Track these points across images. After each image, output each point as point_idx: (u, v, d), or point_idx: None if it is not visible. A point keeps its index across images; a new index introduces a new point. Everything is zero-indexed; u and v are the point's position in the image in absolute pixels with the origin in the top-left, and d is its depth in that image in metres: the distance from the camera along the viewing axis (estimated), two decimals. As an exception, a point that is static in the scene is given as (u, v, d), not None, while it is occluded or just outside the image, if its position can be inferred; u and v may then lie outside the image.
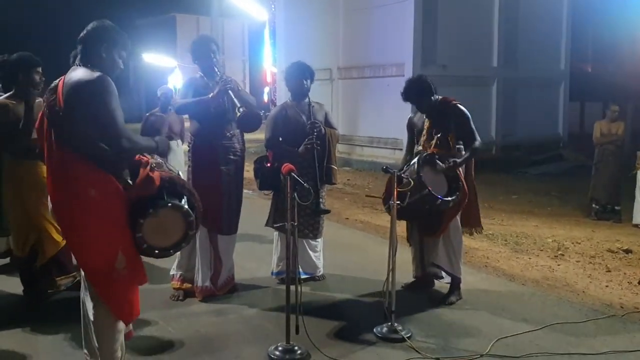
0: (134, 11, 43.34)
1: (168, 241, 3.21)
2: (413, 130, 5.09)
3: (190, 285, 4.95)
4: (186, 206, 3.20)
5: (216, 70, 4.86)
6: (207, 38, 5.15)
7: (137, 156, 3.23)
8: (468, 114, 4.79)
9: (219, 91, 4.69)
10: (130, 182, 3.13)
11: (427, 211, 4.66)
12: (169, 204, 3.13)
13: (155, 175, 3.16)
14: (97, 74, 3.02)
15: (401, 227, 5.18)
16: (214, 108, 4.72)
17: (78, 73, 3.05)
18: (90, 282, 3.10)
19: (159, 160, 3.43)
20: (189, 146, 5.03)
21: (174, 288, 4.95)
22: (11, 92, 4.64)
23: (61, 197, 3.07)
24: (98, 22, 3.21)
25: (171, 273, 5.03)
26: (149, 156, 3.31)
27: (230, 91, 4.68)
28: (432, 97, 4.82)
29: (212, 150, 4.82)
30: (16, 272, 5.29)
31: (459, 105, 4.81)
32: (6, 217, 5.17)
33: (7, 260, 5.58)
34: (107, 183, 3.03)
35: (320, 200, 5.15)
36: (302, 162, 5.02)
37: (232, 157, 4.89)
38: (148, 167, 3.16)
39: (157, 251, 3.21)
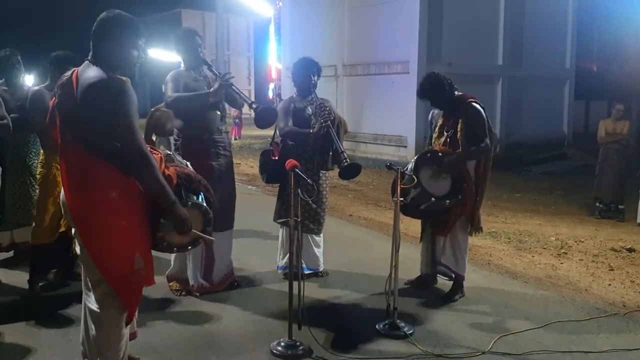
0: (140, 7, 43.35)
1: (187, 238, 3.23)
2: (433, 125, 5.06)
3: (185, 286, 4.92)
4: (205, 204, 3.22)
5: (209, 64, 4.80)
6: (192, 31, 4.95)
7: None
8: (483, 113, 4.67)
9: (220, 85, 4.63)
10: None
11: (427, 210, 4.65)
12: (189, 203, 3.14)
13: (172, 172, 3.13)
14: (113, 77, 2.85)
15: (404, 224, 5.18)
16: (212, 102, 4.67)
17: (93, 73, 2.86)
18: (110, 285, 2.98)
19: (168, 152, 3.44)
20: (175, 143, 4.89)
21: (173, 289, 4.92)
22: (47, 84, 4.79)
23: (80, 200, 2.93)
24: (107, 13, 2.96)
25: (167, 275, 4.99)
26: (159, 150, 3.30)
27: (233, 86, 4.65)
28: (447, 94, 4.73)
29: (202, 145, 4.75)
30: (20, 266, 5.34)
31: (473, 103, 4.69)
32: (8, 211, 5.23)
33: (11, 253, 5.60)
34: (128, 184, 2.93)
35: (345, 159, 4.97)
36: (310, 150, 5.07)
37: (221, 152, 4.87)
38: (164, 165, 3.12)
39: (175, 248, 3.26)
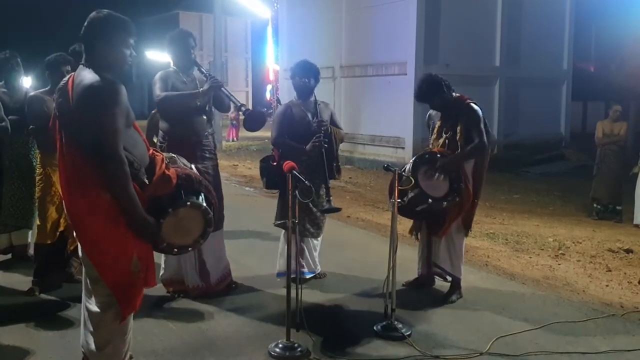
0: (138, 8, 43.38)
1: (187, 239, 3.21)
2: (430, 126, 5.06)
3: (181, 287, 4.88)
4: (204, 204, 3.19)
5: (199, 65, 4.79)
6: (186, 32, 4.87)
7: (151, 151, 3.17)
8: (480, 114, 4.68)
9: (210, 87, 4.61)
10: (147, 181, 3.03)
11: (424, 211, 4.66)
12: (188, 203, 3.12)
13: (172, 172, 3.11)
14: (104, 80, 2.86)
15: (402, 225, 5.18)
16: (200, 103, 4.65)
17: (86, 76, 2.89)
18: (108, 285, 2.98)
19: (172, 155, 3.44)
20: (160, 145, 4.75)
21: (169, 292, 4.89)
22: (47, 88, 4.86)
23: (77, 201, 2.96)
24: (95, 14, 2.96)
25: (161, 279, 4.87)
26: (161, 152, 3.30)
27: (223, 88, 4.63)
28: (445, 95, 4.73)
29: (188, 147, 4.65)
30: (19, 268, 5.33)
31: (471, 104, 4.71)
32: (5, 213, 5.23)
33: (9, 256, 5.60)
34: None
35: (330, 198, 5.09)
36: (307, 160, 5.01)
37: (207, 155, 4.84)
38: (164, 165, 3.11)
39: (176, 249, 3.23)
